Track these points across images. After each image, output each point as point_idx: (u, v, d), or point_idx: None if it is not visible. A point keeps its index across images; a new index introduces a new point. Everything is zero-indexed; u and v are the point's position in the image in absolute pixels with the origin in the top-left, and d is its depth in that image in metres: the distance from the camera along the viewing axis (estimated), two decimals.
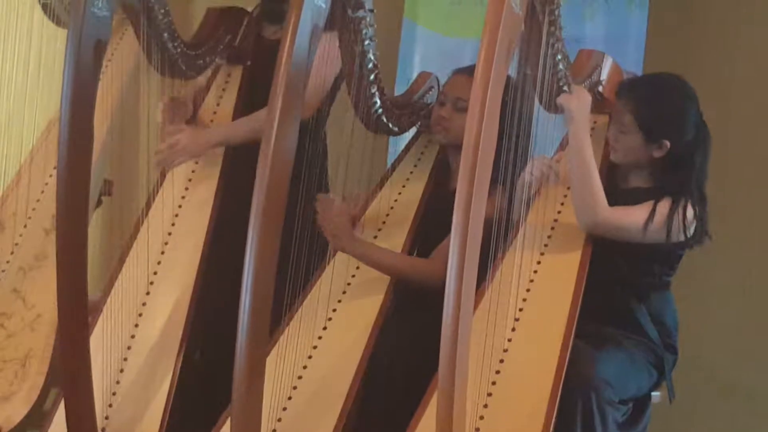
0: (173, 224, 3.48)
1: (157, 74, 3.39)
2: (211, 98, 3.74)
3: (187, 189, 3.55)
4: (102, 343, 3.14)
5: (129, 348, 3.23)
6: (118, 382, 3.16)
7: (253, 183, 2.53)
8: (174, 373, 3.17)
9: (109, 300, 3.31)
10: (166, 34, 3.32)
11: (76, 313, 2.87)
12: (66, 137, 2.76)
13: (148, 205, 3.49)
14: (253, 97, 3.66)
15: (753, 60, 4.44)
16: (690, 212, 3.09)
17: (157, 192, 3.51)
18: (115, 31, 3.78)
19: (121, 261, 3.42)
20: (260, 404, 2.63)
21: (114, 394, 3.13)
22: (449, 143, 3.49)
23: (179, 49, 3.41)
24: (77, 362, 2.88)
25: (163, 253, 3.43)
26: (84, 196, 2.85)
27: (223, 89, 3.76)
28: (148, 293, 3.34)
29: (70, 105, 2.75)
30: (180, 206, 3.51)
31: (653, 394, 3.22)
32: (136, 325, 3.26)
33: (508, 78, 2.62)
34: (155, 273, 3.37)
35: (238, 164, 3.57)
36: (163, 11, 3.25)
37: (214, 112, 3.72)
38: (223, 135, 3.58)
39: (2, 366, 3.27)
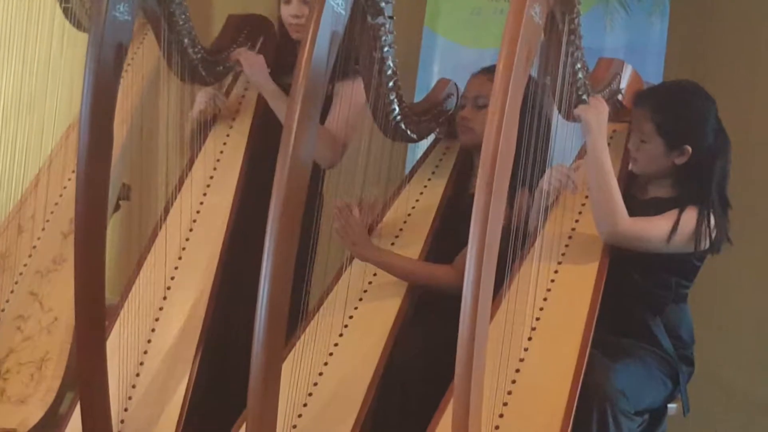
0: (191, 229, 3.48)
1: (177, 79, 3.40)
2: (231, 105, 3.75)
3: (205, 195, 3.55)
4: (119, 347, 3.14)
5: (146, 352, 3.23)
6: (134, 386, 3.15)
7: (271, 188, 2.53)
8: (190, 377, 3.17)
9: (126, 304, 3.31)
10: (186, 40, 3.33)
11: (94, 317, 2.88)
12: (86, 141, 2.77)
13: (167, 210, 3.49)
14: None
15: None
16: (713, 221, 3.09)
17: (176, 197, 3.51)
18: (136, 35, 3.79)
19: (139, 265, 3.42)
20: (275, 410, 2.63)
21: (130, 398, 3.13)
22: (475, 144, 3.44)
23: (199, 55, 3.42)
24: (94, 365, 2.89)
25: (180, 258, 3.43)
26: (103, 200, 2.86)
27: (243, 96, 3.77)
28: (165, 298, 3.34)
29: (90, 109, 2.76)
30: (198, 212, 3.51)
31: (669, 406, 3.21)
32: (153, 330, 3.27)
33: (530, 78, 2.62)
34: (173, 278, 3.38)
35: (256, 170, 3.57)
36: (183, 17, 3.25)
37: (233, 119, 3.72)
38: (271, 93, 3.57)
39: (18, 368, 3.28)
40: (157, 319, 3.30)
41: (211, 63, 3.51)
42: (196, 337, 3.25)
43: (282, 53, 3.68)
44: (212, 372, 3.32)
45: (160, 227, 3.47)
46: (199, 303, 3.32)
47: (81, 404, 2.90)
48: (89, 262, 2.84)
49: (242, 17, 3.74)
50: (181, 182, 3.56)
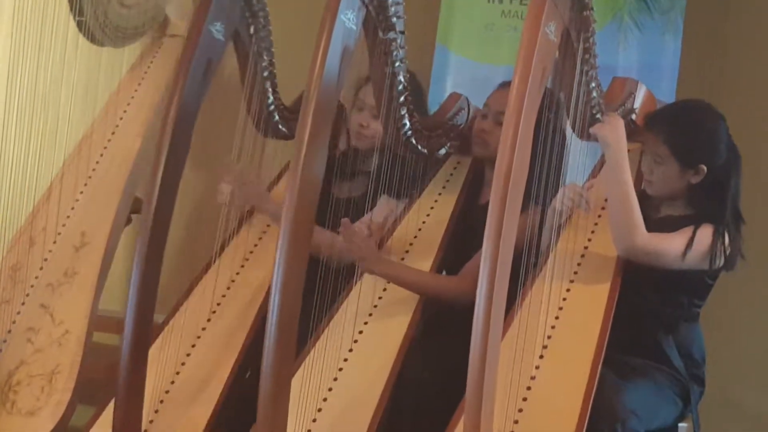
0: (247, 258, 3.58)
1: None
2: None
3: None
4: (158, 357, 3.21)
5: (183, 364, 3.30)
6: (167, 392, 3.23)
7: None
8: (223, 388, 3.23)
9: (171, 322, 3.41)
10: (268, 84, 3.35)
11: (145, 322, 2.94)
12: (166, 150, 2.84)
13: (222, 248, 3.59)
14: None
15: None
16: (727, 238, 3.08)
17: (233, 236, 3.62)
18: (150, 47, 3.81)
19: (191, 287, 3.54)
20: (285, 425, 2.63)
21: (162, 401, 3.19)
22: (487, 157, 3.47)
23: (278, 103, 3.45)
24: (135, 369, 2.95)
25: (229, 288, 3.53)
26: (168, 216, 2.94)
27: None
28: (209, 320, 3.43)
29: (174, 117, 2.79)
30: (256, 245, 3.62)
31: (680, 425, 3.20)
32: (193, 345, 3.35)
33: (546, 90, 2.62)
34: (219, 304, 3.47)
35: None
36: (270, 61, 3.24)
37: None
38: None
39: (29, 381, 3.27)
40: (198, 337, 3.38)
41: (288, 118, 3.52)
42: (234, 354, 3.32)
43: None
44: (242, 393, 3.32)
45: (214, 261, 3.54)
46: (238, 331, 3.39)
47: (115, 406, 2.95)
48: (147, 276, 2.91)
49: None
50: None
